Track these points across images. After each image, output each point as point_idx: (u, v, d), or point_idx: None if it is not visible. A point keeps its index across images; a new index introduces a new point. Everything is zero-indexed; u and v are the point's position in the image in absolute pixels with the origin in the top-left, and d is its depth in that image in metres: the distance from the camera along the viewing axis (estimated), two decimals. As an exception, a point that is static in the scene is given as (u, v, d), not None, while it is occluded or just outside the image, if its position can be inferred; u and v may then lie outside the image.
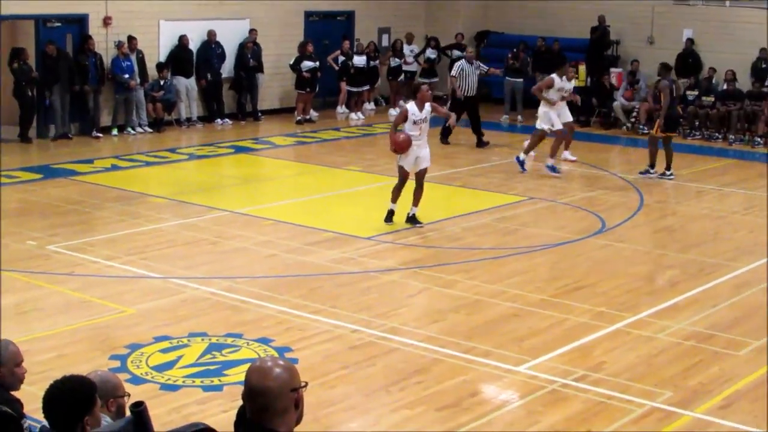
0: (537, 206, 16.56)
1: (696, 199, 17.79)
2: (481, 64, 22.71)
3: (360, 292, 11.80)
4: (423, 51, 27.77)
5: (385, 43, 28.16)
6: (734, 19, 27.10)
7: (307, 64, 24.43)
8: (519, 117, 26.34)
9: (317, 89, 25.21)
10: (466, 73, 21.89)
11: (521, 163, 19.17)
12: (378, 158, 19.93)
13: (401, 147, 14.23)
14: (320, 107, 25.67)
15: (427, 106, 14.32)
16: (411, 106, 14.30)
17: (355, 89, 25.86)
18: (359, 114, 25.70)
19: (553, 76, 19.27)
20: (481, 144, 21.97)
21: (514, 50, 26.96)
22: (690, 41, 27.43)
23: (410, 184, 14.62)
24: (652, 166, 19.04)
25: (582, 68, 27.05)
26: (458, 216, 15.56)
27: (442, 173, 18.67)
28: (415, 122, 14.15)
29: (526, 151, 19.51)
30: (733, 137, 24.37)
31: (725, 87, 25.60)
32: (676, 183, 18.75)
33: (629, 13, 28.20)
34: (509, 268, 12.90)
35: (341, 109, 26.01)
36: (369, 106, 26.67)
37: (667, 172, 18.96)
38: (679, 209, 16.93)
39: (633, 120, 25.66)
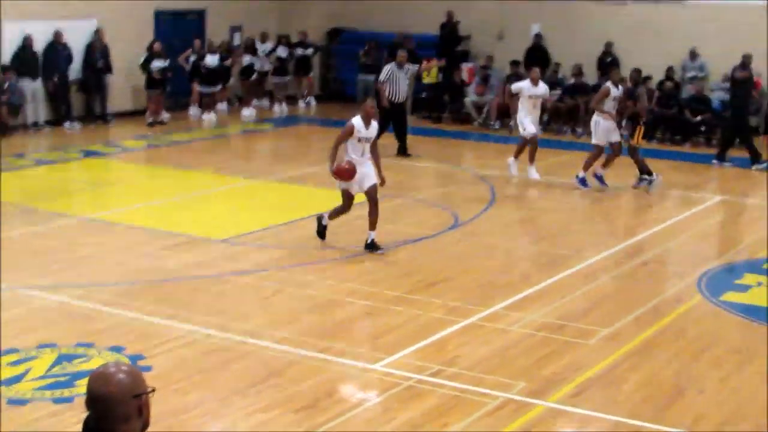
0: (391, 203, 16.59)
1: (546, 192, 18.12)
2: (411, 66, 21.65)
3: (215, 295, 11.67)
4: (274, 49, 27.65)
5: (237, 41, 27.94)
6: (580, 14, 27.70)
7: (156, 64, 24.08)
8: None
9: (168, 90, 24.87)
10: (395, 78, 20.75)
11: (582, 181, 18.02)
12: (231, 159, 19.78)
13: (346, 177, 13.11)
14: (172, 108, 25.30)
15: (374, 123, 13.24)
16: (357, 121, 13.07)
17: (207, 89, 25.57)
18: (212, 114, 25.42)
19: (608, 84, 18.15)
20: (403, 152, 20.93)
21: (366, 47, 27.05)
22: (538, 36, 27.93)
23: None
24: (650, 172, 17.98)
25: (434, 64, 27.29)
26: (313, 215, 15.50)
27: (299, 173, 18.62)
28: (359, 140, 13.07)
29: (585, 168, 18.18)
30: (580, 130, 24.89)
31: (572, 81, 26.16)
32: (526, 177, 19.03)
33: (478, 9, 28.55)
34: (364, 266, 12.93)
35: (193, 109, 25.72)
36: (222, 106, 26.41)
37: (649, 177, 17.96)
38: (529, 202, 17.23)
39: (484, 115, 26.01)
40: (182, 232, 14.29)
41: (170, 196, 16.97)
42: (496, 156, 20.77)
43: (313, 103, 28.26)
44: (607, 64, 26.58)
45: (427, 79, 27.17)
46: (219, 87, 25.94)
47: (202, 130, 24.11)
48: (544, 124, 25.38)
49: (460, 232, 14.75)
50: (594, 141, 18.03)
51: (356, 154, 13.07)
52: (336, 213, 13.59)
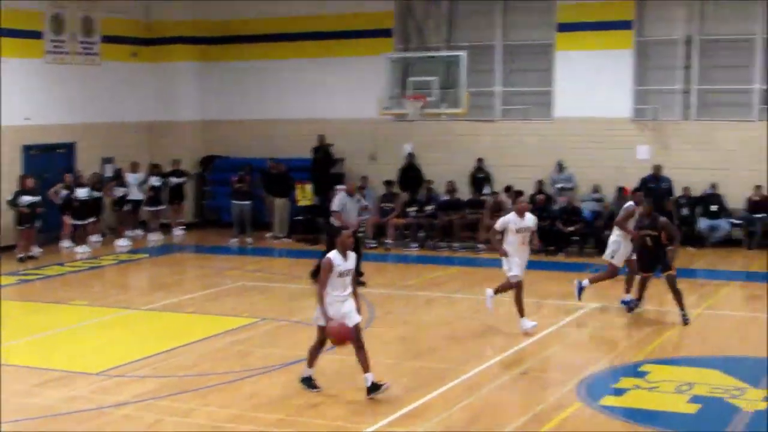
0: (271, 326, 16.52)
1: (426, 308, 18.23)
2: (362, 198, 21.45)
3: (95, 429, 11.36)
4: (146, 180, 27.59)
5: (108, 173, 27.79)
6: (451, 132, 28.28)
7: (25, 199, 23.75)
8: (248, 239, 26.48)
9: (39, 224, 24.50)
10: (346, 208, 19.98)
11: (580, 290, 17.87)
12: (106, 290, 19.47)
13: (344, 339, 12.21)
14: (44, 242, 24.91)
15: (351, 254, 12.36)
16: (334, 255, 12.17)
17: (79, 222, 25.28)
18: (85, 247, 25.06)
19: (632, 203, 17.73)
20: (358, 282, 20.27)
21: (240, 173, 27.14)
22: (411, 155, 28.38)
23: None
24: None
25: (308, 187, 27.50)
26: (192, 343, 15.32)
27: (173, 300, 18.42)
28: (340, 274, 12.18)
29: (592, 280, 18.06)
30: (457, 245, 25.22)
31: (446, 197, 26.57)
32: (406, 293, 19.15)
33: (351, 131, 28.95)
34: (245, 391, 12.75)
35: (66, 243, 25.36)
36: (95, 238, 26.08)
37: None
38: (409, 318, 17.27)
39: (361, 234, 26.15)
40: (56, 368, 13.93)
41: (44, 331, 16.57)
42: (373, 275, 20.83)
43: (180, 232, 28.16)
44: (480, 179, 27.17)
45: (302, 202, 27.32)
46: (91, 219, 25.67)
47: (76, 262, 23.72)
48: (420, 242, 25.69)
49: (339, 351, 14.63)
50: (611, 260, 17.80)
51: (339, 290, 12.14)
52: (313, 356, 12.75)
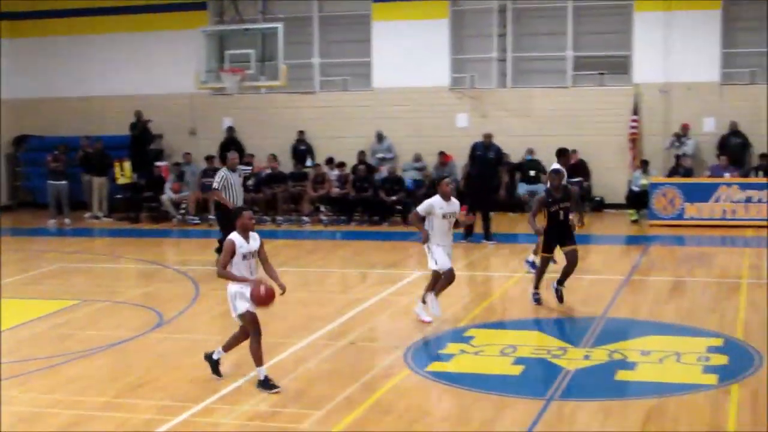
0: (92, 308, 16.14)
1: (251, 282, 18.06)
2: (244, 168, 20.36)
3: None
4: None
5: None
6: (271, 105, 28.13)
7: None
8: (66, 220, 25.81)
9: None
10: (230, 183, 18.68)
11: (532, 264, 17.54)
12: None
13: (268, 301, 11.51)
14: None
15: (254, 234, 11.71)
16: (235, 237, 11.51)
17: None
18: None
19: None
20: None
21: (55, 152, 26.39)
22: (231, 129, 28.12)
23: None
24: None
25: (127, 165, 26.96)
26: (11, 328, 14.82)
27: (-11, 285, 17.84)
28: (244, 256, 11.53)
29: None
30: (281, 218, 25.14)
31: (269, 171, 26.43)
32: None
33: (169, 107, 28.50)
34: (66, 374, 12.40)
35: None
36: None
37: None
38: (235, 293, 17.08)
39: (183, 211, 25.82)
40: None
41: None
42: (197, 251, 20.60)
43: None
44: (302, 152, 27.11)
45: (121, 180, 26.78)
46: None
47: None
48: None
49: (165, 330, 14.47)
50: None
51: (246, 273, 11.56)
52: (236, 341, 11.98)
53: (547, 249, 15.44)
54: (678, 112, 26.16)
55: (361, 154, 26.62)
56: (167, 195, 26.07)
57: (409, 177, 26.14)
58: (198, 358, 12.52)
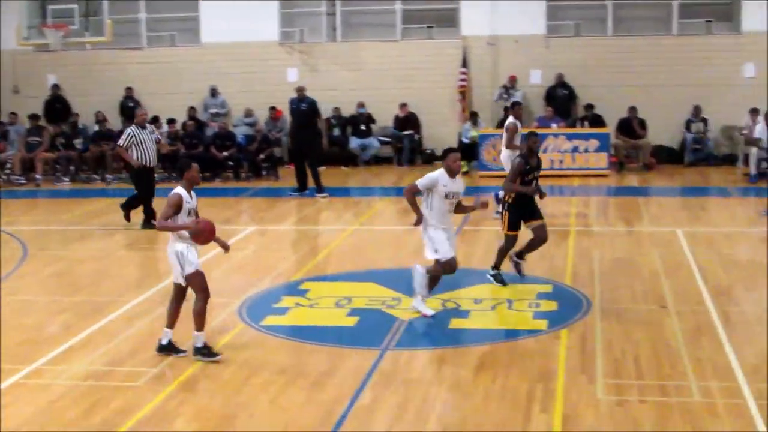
0: None
1: (81, 242, 17.72)
2: (155, 129, 19.49)
3: None
4: None
5: None
6: (97, 62, 27.51)
7: None
8: None
9: None
10: (140, 140, 18.03)
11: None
12: None
13: (211, 235, 10.95)
14: None
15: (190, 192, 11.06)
16: (182, 191, 10.92)
17: None
18: None
19: (511, 119, 18.32)
20: (148, 224, 18.07)
21: None
22: (56, 87, 27.39)
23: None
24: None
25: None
26: None
27: None
28: (189, 212, 10.93)
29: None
30: (110, 177, 24.67)
31: (96, 128, 25.88)
32: (59, 228, 18.56)
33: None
34: None
35: None
36: None
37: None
38: (64, 254, 16.72)
39: (8, 171, 25.10)
40: None
41: None
42: (24, 211, 20.08)
43: None
44: (129, 108, 26.58)
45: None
46: None
47: None
48: (71, 175, 24.91)
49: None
50: None
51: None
52: (176, 312, 11.06)
53: (514, 226, 13.76)
54: (505, 64, 26.60)
55: (192, 110, 26.28)
56: (-10, 154, 25.27)
57: (240, 132, 25.93)
58: (32, 318, 12.24)
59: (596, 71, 26.25)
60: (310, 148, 21.82)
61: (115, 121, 26.64)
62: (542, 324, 11.94)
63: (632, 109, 25.34)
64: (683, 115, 25.78)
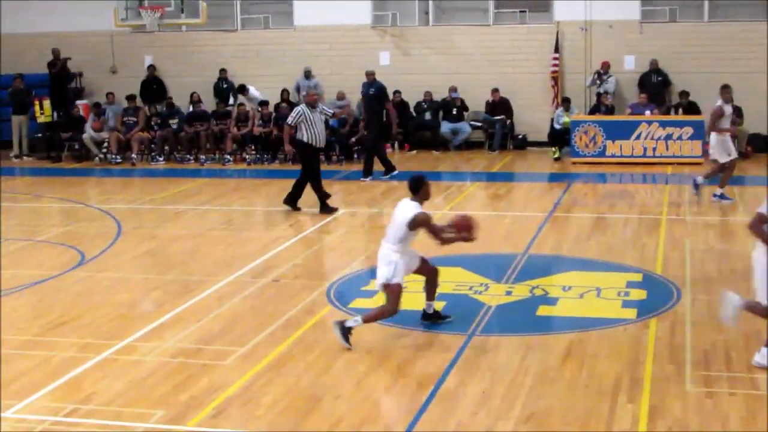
0: (13, 247, 15.93)
1: (174, 221, 18.00)
2: (325, 108, 19.28)
3: None
4: None
5: None
6: (192, 43, 27.82)
7: None
8: None
9: None
10: (309, 120, 17.91)
11: (697, 186, 18.74)
12: None
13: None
14: None
15: None
16: (419, 208, 10.94)
17: None
18: None
19: (720, 103, 18.57)
20: (326, 208, 18.21)
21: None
22: (152, 68, 27.77)
23: None
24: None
25: (47, 103, 26.51)
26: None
27: None
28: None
29: (706, 176, 18.90)
30: (204, 157, 24.97)
31: (191, 109, 26.18)
32: (153, 207, 18.87)
33: (89, 44, 28.05)
34: (-13, 314, 12.29)
35: None
36: None
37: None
38: (157, 233, 16.99)
39: (105, 150, 25.52)
40: None
41: None
42: (119, 190, 20.44)
43: None
44: (224, 90, 26.85)
45: (41, 119, 26.35)
46: None
47: None
48: (166, 155, 25.28)
49: (87, 269, 14.35)
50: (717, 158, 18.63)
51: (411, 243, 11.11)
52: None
53: None
54: (599, 50, 26.29)
55: (285, 92, 26.45)
56: (88, 134, 25.70)
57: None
58: (124, 294, 12.48)
59: (691, 57, 25.82)
60: (379, 131, 21.93)
61: (209, 103, 26.92)
62: (631, 313, 11.83)
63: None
64: (781, 104, 25.29)
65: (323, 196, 18.18)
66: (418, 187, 10.94)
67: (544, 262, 14.51)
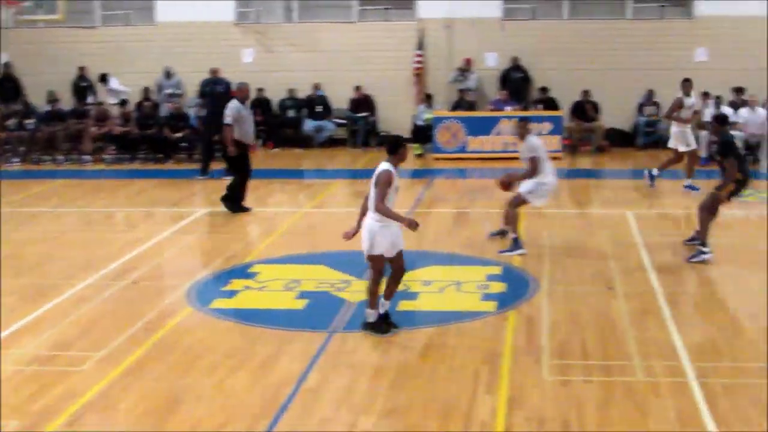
0: None
1: (29, 224, 17.54)
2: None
3: None
4: None
5: None
6: (49, 40, 27.24)
7: None
8: None
9: None
10: (242, 117, 17.44)
11: (652, 178, 19.49)
12: None
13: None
14: None
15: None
16: (392, 168, 10.65)
17: None
18: None
19: (680, 95, 19.27)
20: (240, 208, 17.84)
21: None
22: (7, 65, 27.13)
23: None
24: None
25: None
26: None
27: None
28: (397, 189, 10.81)
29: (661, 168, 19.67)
30: (61, 157, 24.46)
31: (48, 108, 25.62)
32: (9, 210, 18.38)
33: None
34: None
35: None
36: None
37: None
38: (12, 236, 16.52)
39: None
40: None
41: None
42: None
43: None
44: (83, 88, 26.35)
45: None
46: None
47: None
48: (22, 156, 24.66)
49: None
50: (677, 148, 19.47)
51: (392, 207, 10.71)
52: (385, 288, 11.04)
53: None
54: (461, 47, 26.58)
55: (146, 90, 26.06)
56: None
57: (194, 113, 25.74)
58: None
59: (551, 55, 26.30)
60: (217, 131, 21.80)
61: (68, 102, 26.36)
62: (490, 306, 11.99)
63: (586, 93, 25.46)
64: (636, 99, 25.95)
65: (241, 197, 17.78)
66: (395, 149, 10.71)
67: (405, 258, 14.53)
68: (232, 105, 17.45)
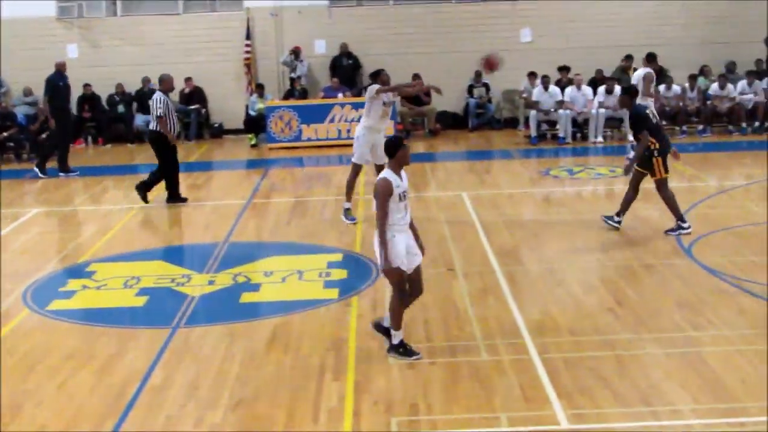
0: None
1: None
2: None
3: None
4: None
5: None
6: None
7: None
8: None
9: None
10: (170, 110, 17.62)
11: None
12: None
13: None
14: None
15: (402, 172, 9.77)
16: (390, 175, 9.50)
17: None
18: None
19: (648, 69, 18.43)
20: (175, 199, 17.91)
21: None
22: None
23: None
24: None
25: None
26: None
27: None
28: (401, 197, 9.61)
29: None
30: None
31: None
32: None
33: None
34: None
35: None
36: None
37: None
38: None
39: None
40: None
41: None
42: None
43: None
44: None
45: None
46: None
47: None
48: None
49: None
50: None
51: (402, 215, 9.61)
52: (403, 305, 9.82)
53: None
54: (290, 35, 26.58)
55: (-33, 90, 25.30)
56: None
57: (20, 112, 25.08)
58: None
59: (379, 40, 26.54)
60: (68, 125, 21.53)
61: None
62: (333, 293, 12.05)
63: (416, 77, 25.72)
64: (465, 81, 26.39)
65: (176, 188, 17.89)
66: (393, 152, 9.54)
67: (245, 249, 14.55)
68: (160, 97, 17.55)
